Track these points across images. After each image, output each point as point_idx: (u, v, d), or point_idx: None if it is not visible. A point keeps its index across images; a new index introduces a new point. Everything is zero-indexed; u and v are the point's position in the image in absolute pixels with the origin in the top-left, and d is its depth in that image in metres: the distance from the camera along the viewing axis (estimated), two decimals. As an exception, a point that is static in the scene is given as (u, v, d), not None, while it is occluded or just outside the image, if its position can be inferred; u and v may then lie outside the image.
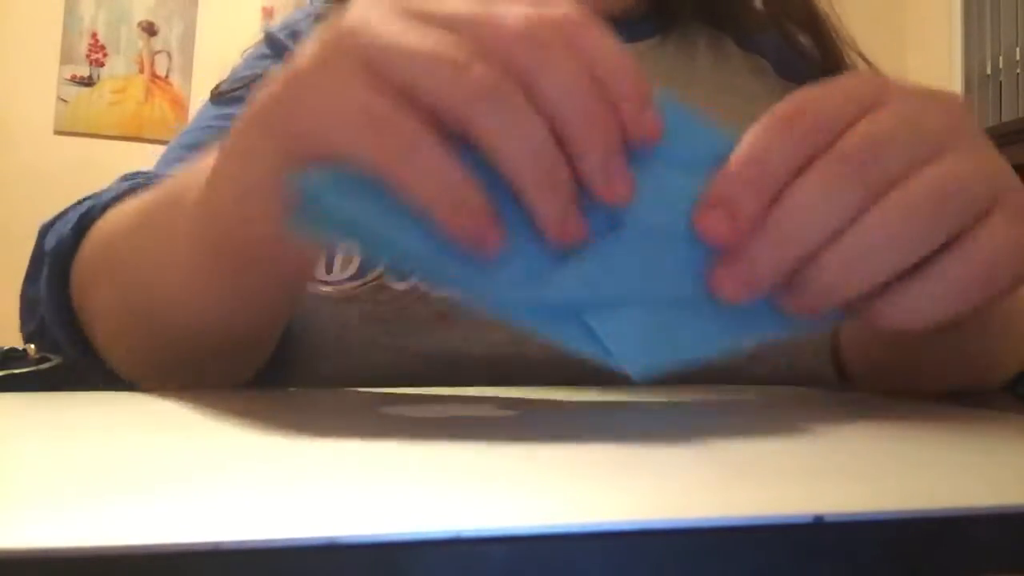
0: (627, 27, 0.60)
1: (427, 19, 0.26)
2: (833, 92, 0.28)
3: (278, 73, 0.27)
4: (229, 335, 0.37)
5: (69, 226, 0.44)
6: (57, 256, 0.44)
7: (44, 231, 0.48)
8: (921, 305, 0.26)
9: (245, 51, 0.62)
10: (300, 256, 0.33)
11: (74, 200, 0.50)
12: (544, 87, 0.25)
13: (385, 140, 0.24)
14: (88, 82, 2.85)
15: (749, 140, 0.28)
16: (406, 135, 0.24)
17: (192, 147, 0.55)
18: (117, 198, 0.45)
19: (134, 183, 0.46)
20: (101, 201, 0.45)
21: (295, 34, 0.60)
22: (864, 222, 0.26)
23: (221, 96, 0.58)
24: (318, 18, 0.60)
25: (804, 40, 0.60)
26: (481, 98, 0.24)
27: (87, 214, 0.44)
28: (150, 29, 2.91)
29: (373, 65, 0.25)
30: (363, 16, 0.26)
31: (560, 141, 0.25)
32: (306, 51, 0.27)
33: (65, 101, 2.82)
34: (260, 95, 0.27)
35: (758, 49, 0.62)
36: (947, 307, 0.26)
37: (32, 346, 0.41)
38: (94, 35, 2.87)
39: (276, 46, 0.60)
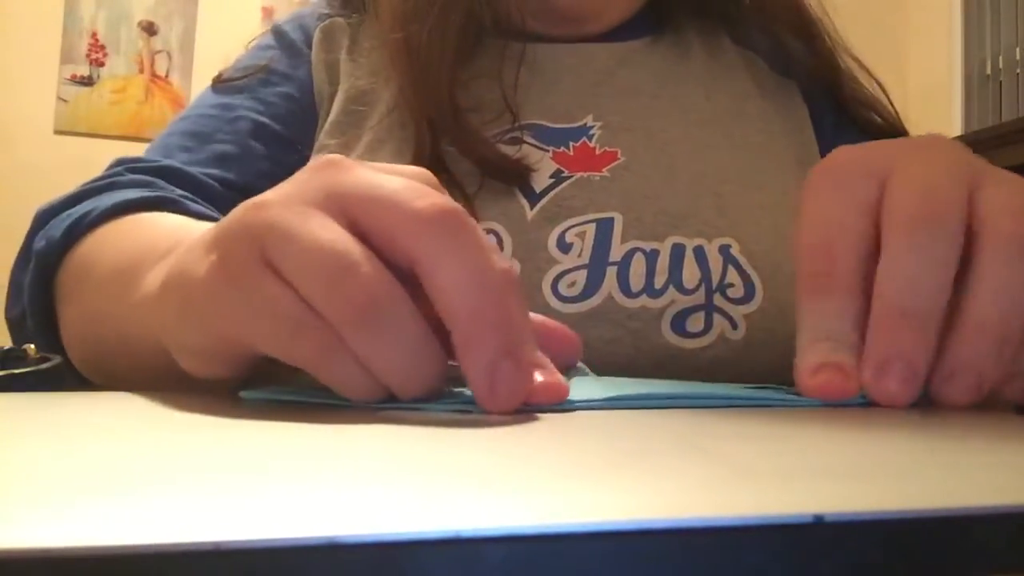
0: (622, 26, 0.61)
1: (338, 201, 0.26)
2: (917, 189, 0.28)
3: (199, 260, 0.27)
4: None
5: (59, 232, 0.45)
6: (42, 259, 0.45)
7: (40, 219, 0.48)
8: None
9: (250, 42, 0.63)
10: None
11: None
12: (441, 277, 0.24)
13: (301, 345, 0.25)
14: (88, 82, 2.85)
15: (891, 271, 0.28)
16: (318, 340, 0.25)
17: (189, 134, 0.55)
18: (112, 212, 0.45)
19: (131, 197, 0.46)
20: (93, 212, 0.45)
21: (302, 26, 0.61)
22: None
23: (222, 84, 0.58)
24: (320, 17, 0.60)
25: (796, 45, 0.60)
26: (355, 319, 0.24)
27: (79, 222, 0.45)
28: (150, 29, 2.91)
29: (272, 261, 0.25)
30: (268, 211, 0.26)
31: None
32: (217, 243, 0.27)
33: (65, 101, 2.83)
34: (193, 278, 0.28)
35: (752, 44, 0.62)
36: None
37: (32, 346, 0.41)
38: (94, 35, 2.87)
39: (282, 38, 0.61)
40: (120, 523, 0.11)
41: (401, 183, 0.26)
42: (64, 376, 0.42)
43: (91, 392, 0.36)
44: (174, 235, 0.37)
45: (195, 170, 0.53)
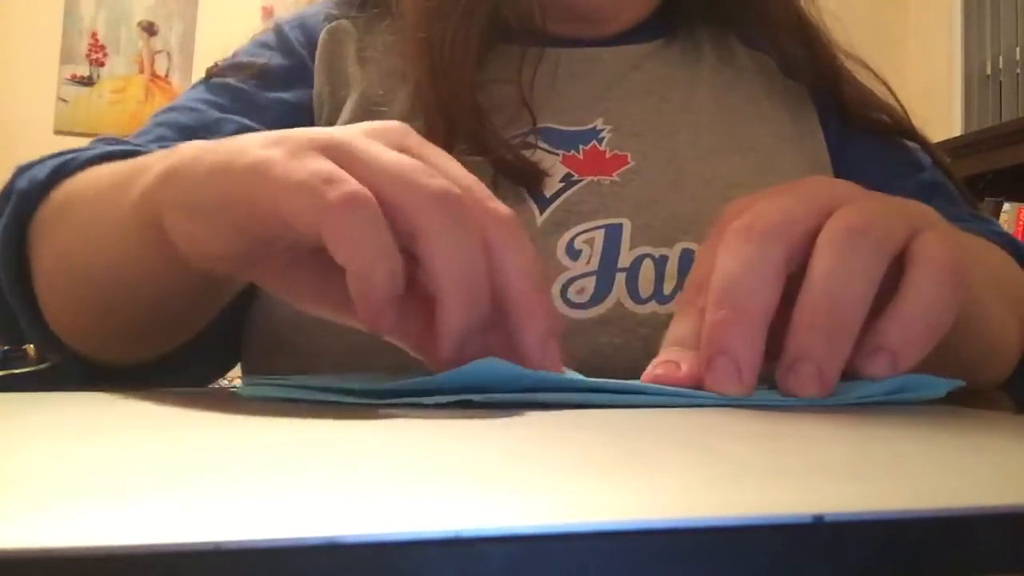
0: (634, 30, 0.61)
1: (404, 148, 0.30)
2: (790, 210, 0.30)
3: (251, 148, 0.30)
4: (160, 309, 0.40)
5: (44, 173, 0.45)
6: (22, 198, 0.44)
7: (19, 172, 0.48)
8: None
9: (255, 35, 0.62)
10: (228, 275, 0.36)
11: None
12: (505, 263, 0.29)
13: (328, 193, 0.27)
14: (88, 82, 2.85)
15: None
16: (349, 190, 0.27)
17: (172, 125, 0.55)
18: (95, 159, 0.45)
19: (116, 148, 0.46)
20: (80, 157, 0.45)
21: (303, 26, 0.60)
22: (908, 294, 0.28)
23: (215, 79, 0.58)
24: (328, 17, 0.60)
25: (797, 50, 0.60)
26: (435, 204, 0.27)
27: (64, 167, 0.45)
28: (150, 29, 2.90)
29: (335, 151, 0.28)
30: (339, 134, 0.30)
31: (501, 310, 0.29)
32: (281, 141, 0.29)
33: (65, 101, 2.82)
34: (233, 159, 0.30)
35: (764, 47, 0.62)
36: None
37: (32, 346, 0.41)
38: (94, 35, 2.87)
39: (281, 38, 0.60)
40: (120, 523, 0.11)
41: (463, 171, 0.30)
42: (64, 376, 0.42)
43: (91, 392, 0.36)
44: (162, 152, 0.37)
45: None
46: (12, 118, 2.76)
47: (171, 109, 0.57)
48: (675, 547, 0.11)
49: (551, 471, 0.16)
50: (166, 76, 2.91)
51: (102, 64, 2.87)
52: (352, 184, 0.27)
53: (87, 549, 0.10)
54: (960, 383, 0.30)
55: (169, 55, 2.91)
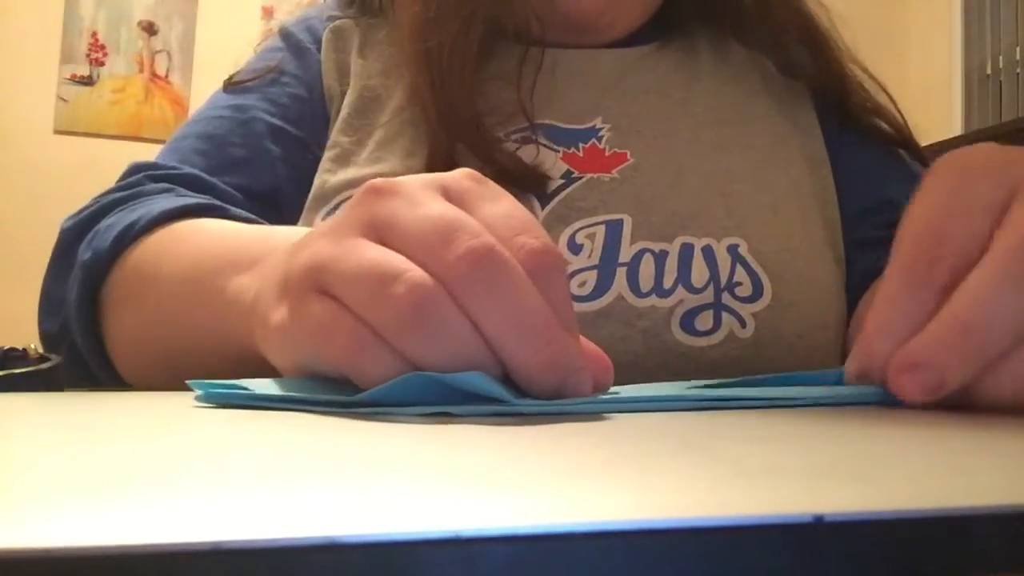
0: (632, 35, 0.61)
1: (393, 233, 0.27)
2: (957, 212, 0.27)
3: (272, 307, 0.30)
4: None
5: (107, 242, 0.45)
6: (91, 271, 0.45)
7: (70, 233, 0.48)
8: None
9: (258, 45, 0.63)
10: None
11: (75, 199, 0.51)
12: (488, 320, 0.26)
13: (340, 349, 0.26)
14: (88, 82, 2.86)
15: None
16: (348, 339, 0.26)
17: (204, 137, 0.56)
18: (159, 220, 0.46)
19: (182, 202, 0.48)
20: (141, 221, 0.46)
21: (309, 28, 0.61)
22: None
23: (235, 85, 0.59)
24: (330, 18, 0.61)
25: (803, 53, 0.60)
26: (468, 270, 0.25)
27: (128, 231, 0.46)
28: (150, 29, 2.91)
29: (328, 290, 0.27)
30: (319, 247, 0.28)
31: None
32: (281, 284, 0.30)
33: (65, 101, 2.83)
34: (267, 319, 0.30)
35: (761, 47, 0.62)
36: None
37: (32, 346, 0.41)
38: (94, 35, 2.87)
39: (290, 40, 0.61)
40: (120, 523, 0.11)
41: (507, 208, 0.29)
42: (64, 376, 0.42)
43: (91, 392, 0.36)
44: (239, 242, 0.39)
45: (214, 178, 0.53)
46: (12, 118, 2.76)
47: (195, 121, 0.58)
48: (675, 547, 0.11)
49: (551, 471, 0.16)
50: (166, 76, 2.91)
51: (102, 64, 2.88)
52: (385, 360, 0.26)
53: (87, 549, 0.10)
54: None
55: (169, 55, 2.92)
